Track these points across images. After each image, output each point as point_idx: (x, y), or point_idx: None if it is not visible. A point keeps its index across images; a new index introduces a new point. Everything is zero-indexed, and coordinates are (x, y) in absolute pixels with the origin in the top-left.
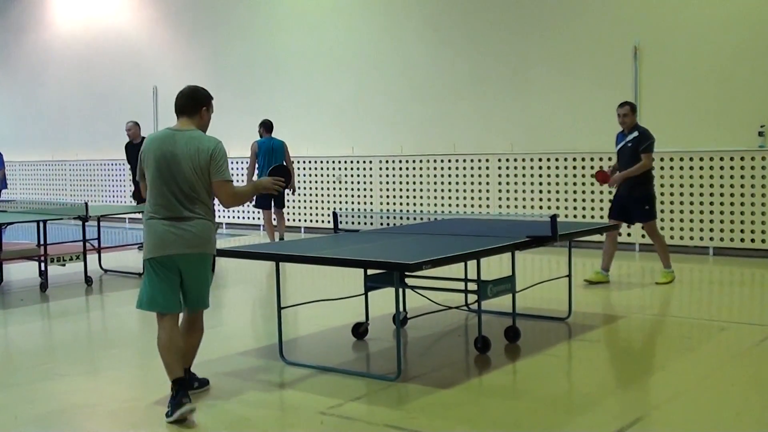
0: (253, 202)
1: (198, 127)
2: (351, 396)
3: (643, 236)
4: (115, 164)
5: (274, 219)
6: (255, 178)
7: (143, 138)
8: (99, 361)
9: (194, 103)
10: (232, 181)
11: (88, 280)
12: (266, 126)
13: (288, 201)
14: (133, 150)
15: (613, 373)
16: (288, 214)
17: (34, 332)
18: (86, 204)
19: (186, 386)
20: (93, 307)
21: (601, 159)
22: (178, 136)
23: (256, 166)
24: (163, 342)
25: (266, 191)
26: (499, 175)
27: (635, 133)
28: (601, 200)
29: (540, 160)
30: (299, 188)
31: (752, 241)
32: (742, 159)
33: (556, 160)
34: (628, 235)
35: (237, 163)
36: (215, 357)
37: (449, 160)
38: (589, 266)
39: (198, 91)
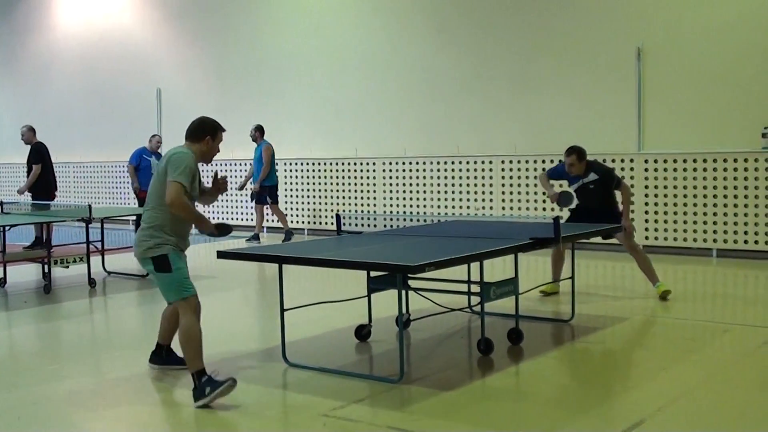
0: (254, 200)
1: (198, 153)
2: (354, 398)
3: (646, 238)
4: (119, 166)
5: (268, 213)
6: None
7: (35, 143)
8: (102, 362)
9: (199, 131)
10: (182, 185)
11: (92, 282)
12: (262, 131)
13: (290, 202)
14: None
15: (616, 375)
16: (291, 215)
17: (37, 334)
18: (90, 206)
19: (156, 351)
20: (96, 309)
21: (604, 160)
22: (171, 151)
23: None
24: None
25: (205, 231)
26: (503, 177)
27: (594, 176)
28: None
29: (543, 161)
30: (302, 190)
31: (756, 242)
32: (745, 160)
33: (560, 161)
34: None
35: (239, 164)
36: (218, 358)
37: (452, 162)
38: (592, 268)
39: (206, 121)
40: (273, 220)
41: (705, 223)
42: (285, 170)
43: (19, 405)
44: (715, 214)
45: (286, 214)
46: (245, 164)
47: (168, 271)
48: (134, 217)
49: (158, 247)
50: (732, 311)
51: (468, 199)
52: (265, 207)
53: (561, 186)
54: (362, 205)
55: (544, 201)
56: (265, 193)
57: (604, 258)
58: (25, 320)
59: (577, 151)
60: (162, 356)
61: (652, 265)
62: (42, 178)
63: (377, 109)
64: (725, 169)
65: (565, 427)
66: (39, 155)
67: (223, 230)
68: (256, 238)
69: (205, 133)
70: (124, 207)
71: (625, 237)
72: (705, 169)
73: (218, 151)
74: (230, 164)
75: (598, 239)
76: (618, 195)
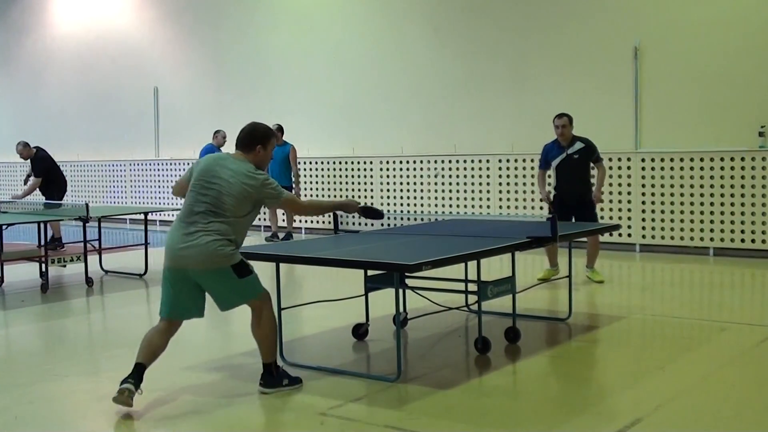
0: None
1: (253, 162)
2: (351, 397)
3: (643, 237)
4: (117, 165)
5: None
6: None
7: (37, 153)
8: (100, 362)
9: (250, 140)
10: (287, 196)
11: (89, 281)
12: (283, 131)
13: None
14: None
15: (613, 373)
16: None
17: (34, 333)
18: (87, 205)
19: (270, 373)
20: (94, 308)
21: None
22: (228, 162)
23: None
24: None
25: (348, 211)
26: (500, 176)
27: (580, 145)
28: (601, 201)
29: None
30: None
31: (752, 241)
32: (742, 159)
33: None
34: (629, 236)
35: None
36: (216, 357)
37: (450, 161)
38: None
39: (256, 129)
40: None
41: (702, 221)
42: None
43: (16, 404)
44: (711, 212)
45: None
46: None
47: (250, 273)
48: (132, 216)
49: (236, 254)
50: (729, 310)
51: (465, 198)
52: None
53: (551, 166)
54: (360, 203)
55: (541, 200)
56: None
57: (601, 257)
58: (23, 319)
59: (568, 114)
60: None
61: (597, 255)
62: (52, 182)
63: (374, 108)
64: (722, 168)
65: (562, 425)
66: (43, 166)
67: (371, 213)
68: (289, 236)
69: (255, 142)
70: (122, 206)
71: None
72: (702, 168)
73: (272, 158)
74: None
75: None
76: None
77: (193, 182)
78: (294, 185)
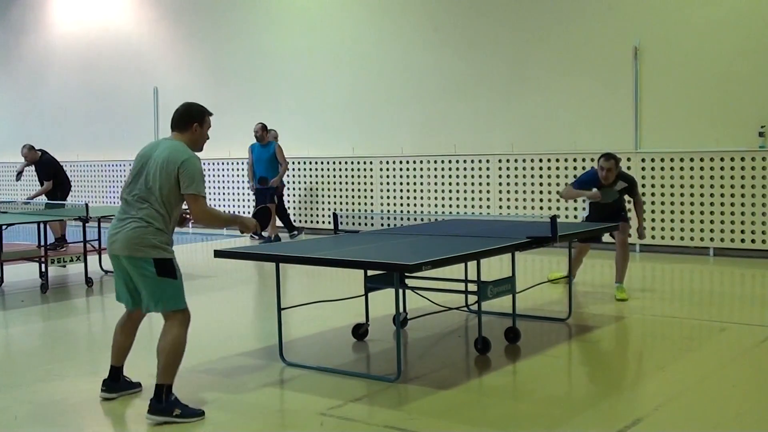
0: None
1: (189, 143)
2: (351, 397)
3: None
4: (116, 165)
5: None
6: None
7: (42, 156)
8: (99, 362)
9: (185, 119)
10: (203, 196)
11: (89, 281)
12: (268, 130)
13: (289, 202)
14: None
15: (613, 373)
16: (289, 214)
17: (34, 333)
18: (87, 205)
19: (111, 377)
20: (93, 308)
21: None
22: (161, 143)
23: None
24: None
25: (245, 231)
26: (500, 176)
27: (623, 185)
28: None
29: (540, 160)
30: (299, 189)
31: (753, 241)
32: (742, 159)
33: (557, 160)
34: (629, 236)
35: (237, 163)
36: (215, 357)
37: (449, 161)
38: (589, 267)
39: (191, 107)
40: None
41: (702, 222)
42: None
43: (16, 404)
44: (712, 213)
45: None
46: (242, 163)
47: (173, 277)
48: None
49: (164, 249)
50: (729, 310)
51: (465, 198)
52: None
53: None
54: (359, 204)
55: (541, 200)
56: (273, 192)
57: (601, 257)
58: (22, 319)
59: (615, 157)
60: (119, 381)
61: (626, 267)
62: (59, 186)
63: (374, 108)
64: (722, 168)
65: (562, 425)
66: (51, 170)
67: (262, 218)
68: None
69: (192, 120)
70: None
71: (622, 229)
72: (702, 168)
73: (208, 138)
74: (228, 163)
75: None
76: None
77: (131, 170)
78: (276, 178)
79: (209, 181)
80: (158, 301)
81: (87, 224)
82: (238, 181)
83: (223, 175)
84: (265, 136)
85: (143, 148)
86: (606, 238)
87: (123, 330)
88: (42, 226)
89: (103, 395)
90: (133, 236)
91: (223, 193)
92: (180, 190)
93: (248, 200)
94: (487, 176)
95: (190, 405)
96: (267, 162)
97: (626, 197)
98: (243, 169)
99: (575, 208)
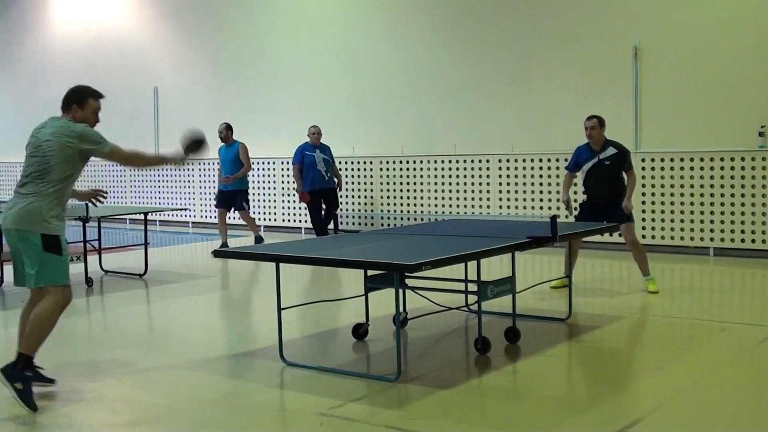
0: (225, 206)
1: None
2: (351, 397)
3: (643, 237)
4: (116, 165)
5: (231, 218)
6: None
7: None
8: (100, 362)
9: (67, 101)
10: (117, 147)
11: (89, 281)
12: (232, 129)
13: (288, 202)
14: None
15: (613, 373)
16: (289, 215)
17: None
18: (87, 205)
19: (15, 365)
20: (93, 308)
21: None
22: (49, 122)
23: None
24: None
25: (178, 164)
26: (500, 176)
27: (613, 150)
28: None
29: (540, 160)
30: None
31: (752, 241)
32: (742, 159)
33: (557, 160)
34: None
35: None
36: (215, 357)
37: (449, 161)
38: (589, 267)
39: (74, 89)
40: (269, 219)
41: (702, 221)
42: (282, 169)
43: (16, 404)
44: (711, 212)
45: (285, 213)
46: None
47: (59, 253)
48: (132, 216)
49: (53, 225)
50: (729, 310)
51: (465, 198)
52: (226, 212)
53: (580, 169)
54: (359, 204)
55: (541, 200)
56: (241, 197)
57: (601, 257)
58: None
59: (599, 117)
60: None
61: (647, 260)
62: None
63: (374, 108)
64: (722, 168)
65: (562, 425)
66: None
67: (194, 147)
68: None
69: (70, 102)
70: (122, 206)
71: (627, 231)
72: (702, 168)
73: (97, 121)
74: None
75: (597, 237)
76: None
77: (26, 151)
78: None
79: (209, 181)
80: (39, 274)
81: (87, 224)
82: None
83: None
84: (230, 136)
85: (34, 129)
86: (604, 237)
87: (27, 313)
88: None
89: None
90: (25, 211)
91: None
92: (76, 164)
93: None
94: (487, 176)
95: (35, 389)
96: (231, 163)
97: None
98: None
99: (575, 208)
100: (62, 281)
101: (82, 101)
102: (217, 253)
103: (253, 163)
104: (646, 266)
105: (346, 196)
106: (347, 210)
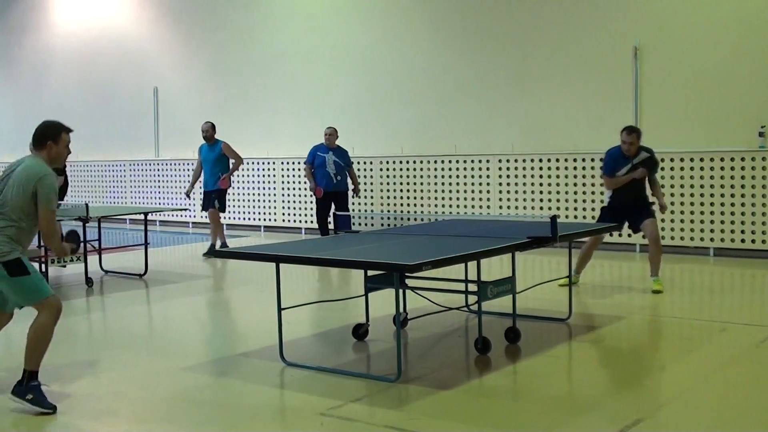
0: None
1: (46, 159)
2: (351, 397)
3: (643, 237)
4: (116, 165)
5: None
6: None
7: None
8: (100, 362)
9: (41, 138)
10: (52, 211)
11: (89, 281)
12: (215, 129)
13: (289, 202)
14: None
15: (614, 374)
16: (289, 215)
17: None
18: (87, 205)
19: (21, 382)
20: (94, 309)
21: (601, 159)
22: (23, 161)
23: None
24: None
25: (60, 254)
26: (500, 176)
27: (645, 155)
28: (602, 201)
29: (540, 160)
30: (299, 189)
31: (753, 241)
32: (742, 159)
33: (557, 160)
34: (629, 236)
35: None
36: (215, 358)
37: (450, 161)
38: (589, 267)
39: (46, 126)
40: (269, 219)
41: (702, 222)
42: (282, 169)
43: (16, 404)
44: (712, 212)
45: (285, 213)
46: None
47: (26, 273)
48: (132, 216)
49: (11, 253)
50: (729, 310)
51: (465, 198)
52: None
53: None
54: (359, 204)
55: (541, 200)
56: (215, 197)
57: (602, 257)
58: (22, 319)
59: (637, 130)
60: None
61: (660, 261)
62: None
63: (374, 109)
64: (722, 168)
65: (562, 426)
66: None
67: (73, 241)
68: (224, 246)
69: (45, 139)
70: (122, 206)
71: (654, 226)
72: (702, 168)
73: (69, 153)
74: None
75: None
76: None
77: None
78: (226, 173)
79: None
80: (23, 298)
81: (87, 224)
82: (236, 181)
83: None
84: (213, 136)
85: (10, 164)
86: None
87: None
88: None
89: (12, 398)
90: None
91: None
92: (35, 204)
93: (249, 200)
94: (487, 176)
95: (48, 399)
96: (213, 162)
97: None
98: (241, 169)
99: (575, 208)
100: (43, 296)
101: (56, 137)
102: (217, 254)
103: (253, 163)
104: (658, 266)
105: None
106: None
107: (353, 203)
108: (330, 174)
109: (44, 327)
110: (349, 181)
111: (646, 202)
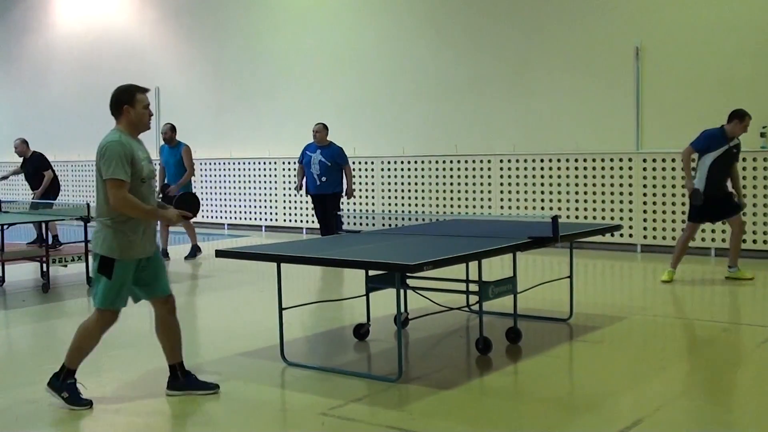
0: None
1: (127, 126)
2: (352, 397)
3: (644, 237)
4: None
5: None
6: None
7: (33, 152)
8: (100, 362)
9: (117, 105)
10: (122, 180)
11: (90, 281)
12: (176, 130)
13: (290, 202)
14: (23, 165)
15: (614, 374)
16: (290, 215)
17: (35, 333)
18: (88, 204)
19: (59, 375)
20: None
21: (603, 160)
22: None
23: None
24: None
25: (169, 224)
26: (501, 176)
27: (737, 141)
28: (603, 201)
29: (542, 161)
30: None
31: (754, 242)
32: (744, 160)
33: (558, 161)
34: (630, 236)
35: (237, 163)
36: (216, 358)
37: (451, 161)
38: (590, 267)
39: (121, 91)
40: (270, 219)
41: None
42: (283, 170)
43: (16, 404)
44: None
45: (286, 213)
46: (243, 163)
47: (107, 275)
48: None
49: (110, 248)
50: (731, 310)
51: (466, 198)
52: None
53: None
54: (361, 204)
55: (542, 200)
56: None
57: (603, 257)
58: (24, 319)
59: (749, 114)
60: (180, 379)
61: (739, 249)
62: (53, 181)
63: (375, 109)
64: None
65: (563, 426)
66: (46, 162)
67: (186, 205)
68: (198, 249)
69: (121, 104)
70: None
71: (740, 218)
72: None
73: (150, 115)
74: (228, 163)
75: (599, 238)
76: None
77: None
78: (176, 185)
79: (210, 181)
80: (92, 294)
81: (88, 224)
82: (237, 181)
83: (224, 175)
84: (173, 138)
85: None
86: (605, 238)
87: (165, 331)
88: (44, 226)
89: (169, 392)
90: (95, 232)
91: (224, 193)
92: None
93: (250, 200)
94: (489, 176)
95: (83, 398)
96: (174, 166)
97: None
98: (242, 169)
99: (576, 208)
100: (102, 305)
101: (131, 100)
102: (219, 253)
103: (254, 162)
104: (737, 257)
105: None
106: (349, 210)
107: (345, 203)
108: (314, 175)
109: (90, 330)
110: (345, 180)
111: (729, 192)
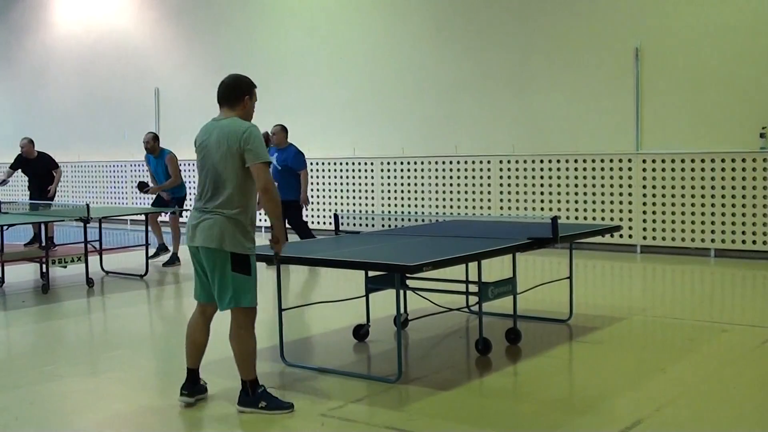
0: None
1: (240, 117)
2: (352, 398)
3: (644, 238)
4: (117, 165)
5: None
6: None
7: (39, 153)
8: (100, 362)
9: (236, 93)
10: (269, 163)
11: (90, 282)
12: (158, 139)
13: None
14: (27, 165)
15: (614, 374)
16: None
17: (35, 334)
18: (88, 205)
19: (190, 379)
20: (94, 309)
21: (602, 160)
22: (215, 126)
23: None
24: (188, 326)
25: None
26: (501, 177)
27: None
28: (602, 201)
29: (542, 161)
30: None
31: (753, 242)
32: (743, 161)
33: (558, 161)
34: (630, 237)
35: None
36: (216, 358)
37: (451, 162)
38: (590, 268)
39: (240, 80)
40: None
41: (703, 223)
42: None
43: (16, 405)
44: (713, 214)
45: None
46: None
47: (248, 273)
48: (133, 217)
49: (242, 244)
50: (730, 311)
51: (466, 199)
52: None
53: None
54: (360, 204)
55: (542, 201)
56: (175, 203)
57: (603, 258)
58: (23, 320)
59: None
60: (195, 384)
61: None
62: (49, 183)
63: (375, 109)
64: (723, 169)
65: (562, 426)
66: (54, 160)
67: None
68: (171, 254)
69: (242, 94)
70: (122, 207)
71: None
72: (703, 169)
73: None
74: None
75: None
76: None
77: (197, 163)
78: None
79: None
80: (229, 297)
81: (88, 225)
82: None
83: None
84: (156, 147)
85: (199, 135)
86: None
87: (198, 334)
88: (43, 226)
89: (182, 400)
90: (212, 229)
91: None
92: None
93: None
94: (488, 177)
95: (280, 399)
96: (164, 175)
97: None
98: None
99: (576, 209)
100: (246, 303)
101: (252, 90)
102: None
103: None
104: None
105: (348, 197)
106: (348, 210)
107: (349, 203)
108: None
109: (244, 337)
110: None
111: None
